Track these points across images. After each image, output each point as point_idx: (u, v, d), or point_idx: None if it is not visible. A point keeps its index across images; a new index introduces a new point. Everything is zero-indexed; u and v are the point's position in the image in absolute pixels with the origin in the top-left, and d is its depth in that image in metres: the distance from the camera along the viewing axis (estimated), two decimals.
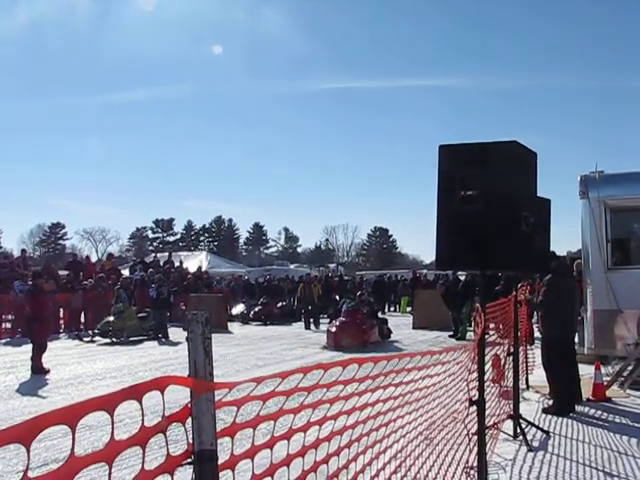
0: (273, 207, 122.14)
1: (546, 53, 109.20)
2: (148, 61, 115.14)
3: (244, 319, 28.23)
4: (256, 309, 28.71)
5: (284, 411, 2.26)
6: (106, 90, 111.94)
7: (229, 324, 24.97)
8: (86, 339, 21.21)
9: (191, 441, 1.74)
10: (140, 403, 1.57)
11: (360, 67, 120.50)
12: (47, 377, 13.39)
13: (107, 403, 1.47)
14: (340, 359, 2.65)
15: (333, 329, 18.67)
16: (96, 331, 21.25)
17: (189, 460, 1.72)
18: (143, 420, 1.61)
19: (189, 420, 1.77)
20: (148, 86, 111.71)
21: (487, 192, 5.28)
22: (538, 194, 6.37)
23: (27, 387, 12.16)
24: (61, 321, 24.23)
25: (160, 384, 1.61)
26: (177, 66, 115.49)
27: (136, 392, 1.54)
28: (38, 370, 13.82)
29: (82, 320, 24.75)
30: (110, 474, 1.53)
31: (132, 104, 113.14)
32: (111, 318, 21.13)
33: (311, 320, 25.44)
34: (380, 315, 23.45)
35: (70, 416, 1.38)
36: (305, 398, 2.39)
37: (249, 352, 17.08)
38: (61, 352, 17.29)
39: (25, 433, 1.29)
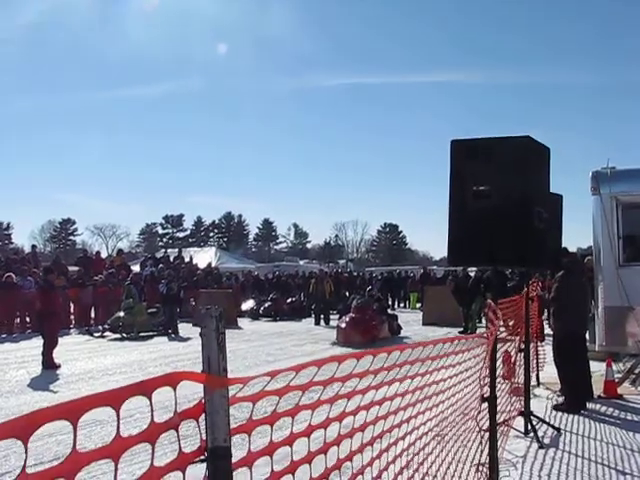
0: (283, 203, 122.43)
1: (557, 48, 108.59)
2: (157, 56, 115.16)
3: (254, 315, 28.24)
4: (266, 305, 28.73)
5: (300, 407, 2.25)
6: (115, 86, 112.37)
7: (239, 320, 25.00)
8: (96, 334, 21.25)
9: (204, 437, 1.72)
10: (149, 399, 1.54)
11: (370, 63, 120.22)
12: (58, 372, 13.44)
13: (113, 398, 1.44)
14: None
15: (343, 325, 18.66)
16: (106, 326, 21.29)
17: (202, 457, 1.71)
18: (152, 416, 1.58)
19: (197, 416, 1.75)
20: (158, 82, 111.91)
21: (499, 188, 5.25)
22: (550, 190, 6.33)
23: (38, 382, 12.19)
24: (71, 316, 24.30)
25: (172, 380, 1.59)
26: (186, 62, 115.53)
27: (145, 388, 1.52)
28: (49, 365, 13.87)
29: (92, 315, 24.81)
30: (116, 470, 1.50)
31: (142, 100, 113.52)
32: (121, 314, 21.17)
33: (321, 316, 25.44)
34: (390, 311, 23.42)
35: (71, 411, 1.35)
36: (321, 394, 2.37)
37: (259, 348, 17.09)
38: (72, 347, 17.33)
39: (22, 428, 1.27)
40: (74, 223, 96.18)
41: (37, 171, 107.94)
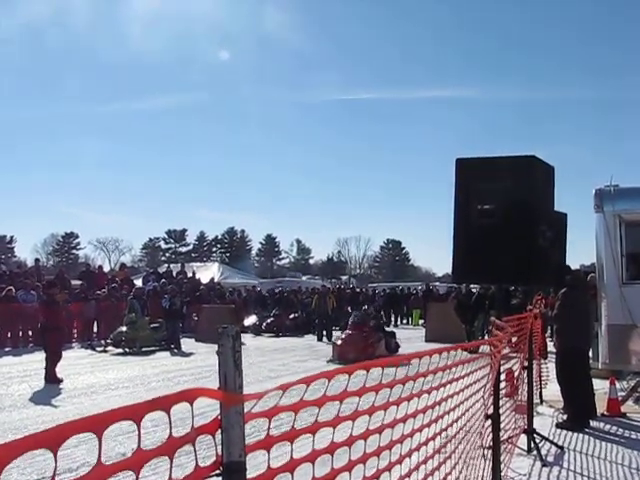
0: (285, 218, 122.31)
1: (561, 65, 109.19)
2: (159, 67, 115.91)
3: (256, 331, 28.25)
4: (268, 321, 28.76)
5: (320, 424, 2.27)
6: (118, 97, 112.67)
7: (241, 335, 24.95)
8: (99, 349, 21.31)
9: (220, 452, 1.75)
10: (168, 414, 1.58)
11: (374, 77, 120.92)
12: (60, 386, 13.45)
13: (134, 413, 1.49)
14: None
15: (339, 342, 18.55)
16: (109, 341, 21.32)
17: (217, 471, 1.74)
18: (171, 430, 1.62)
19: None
20: (161, 93, 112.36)
21: (504, 206, 5.29)
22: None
23: (41, 396, 12.20)
24: (74, 331, 24.31)
25: (189, 396, 1.63)
26: (188, 75, 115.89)
27: (164, 403, 1.56)
28: (51, 379, 13.89)
29: (95, 330, 24.82)
30: None
31: (145, 112, 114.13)
32: (124, 328, 21.19)
33: (324, 332, 25.43)
34: (391, 328, 23.38)
35: (97, 424, 1.41)
36: (338, 411, 2.39)
37: (261, 363, 17.07)
38: (74, 362, 17.33)
39: (52, 440, 1.32)
40: (77, 237, 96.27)
41: (40, 183, 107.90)
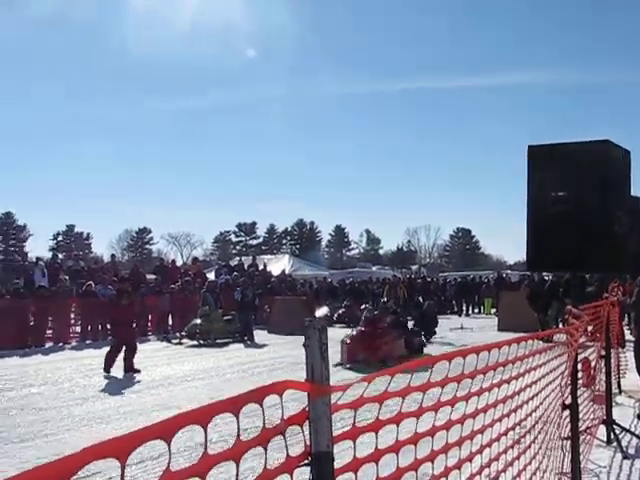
0: (354, 209, 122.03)
1: (629, 45, 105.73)
2: (223, 64, 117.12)
3: (328, 321, 28.12)
4: (340, 311, 28.81)
5: (403, 414, 2.31)
6: (185, 94, 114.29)
7: None
8: (174, 341, 21.78)
9: (308, 443, 1.81)
10: (261, 406, 1.65)
11: (438, 66, 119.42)
12: (138, 378, 13.83)
13: (233, 406, 1.56)
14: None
15: (348, 341, 16.14)
16: (184, 333, 21.80)
17: (306, 461, 1.80)
18: (264, 422, 1.69)
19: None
20: (224, 90, 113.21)
21: (578, 193, 5.21)
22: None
23: (120, 387, 12.59)
24: (149, 324, 24.88)
25: (279, 388, 1.69)
26: (261, 68, 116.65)
27: (258, 396, 1.63)
28: (130, 370, 14.32)
29: (170, 323, 25.35)
30: (237, 469, 1.63)
31: (211, 108, 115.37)
32: (198, 321, 21.59)
33: None
34: (463, 317, 23.03)
35: (202, 416, 1.49)
36: (422, 398, 2.42)
37: (334, 354, 17.01)
38: (150, 354, 17.75)
39: (165, 430, 1.44)
40: (150, 232, 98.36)
41: (113, 180, 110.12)
